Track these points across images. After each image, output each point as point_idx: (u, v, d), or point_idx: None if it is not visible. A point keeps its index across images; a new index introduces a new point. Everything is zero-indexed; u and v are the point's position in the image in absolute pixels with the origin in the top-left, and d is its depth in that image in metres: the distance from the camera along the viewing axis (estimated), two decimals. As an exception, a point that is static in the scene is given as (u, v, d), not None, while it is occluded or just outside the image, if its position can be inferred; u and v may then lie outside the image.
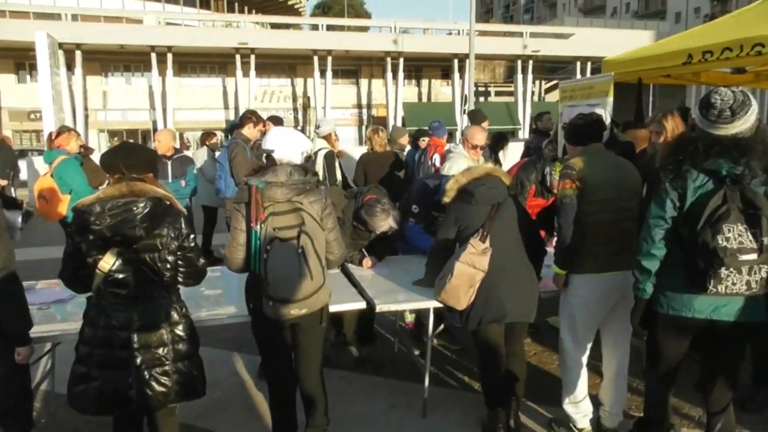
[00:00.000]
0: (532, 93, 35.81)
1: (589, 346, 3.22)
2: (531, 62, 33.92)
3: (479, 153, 4.67)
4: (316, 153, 5.72)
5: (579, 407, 3.21)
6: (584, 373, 3.22)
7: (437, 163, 5.50)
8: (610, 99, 5.63)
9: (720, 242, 2.25)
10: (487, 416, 3.22)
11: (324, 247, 2.79)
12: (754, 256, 2.26)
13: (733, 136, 2.33)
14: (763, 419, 3.40)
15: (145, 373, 2.37)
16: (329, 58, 31.46)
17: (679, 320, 2.51)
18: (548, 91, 38.41)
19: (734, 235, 2.25)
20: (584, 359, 3.22)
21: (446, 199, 3.21)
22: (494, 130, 21.18)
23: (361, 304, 3.34)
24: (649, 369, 2.83)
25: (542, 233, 3.45)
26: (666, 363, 2.71)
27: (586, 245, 3.00)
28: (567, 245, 3.02)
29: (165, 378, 2.41)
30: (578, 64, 34.31)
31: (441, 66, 35.24)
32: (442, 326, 3.79)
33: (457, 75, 33.25)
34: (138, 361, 2.36)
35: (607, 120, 4.30)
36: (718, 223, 2.27)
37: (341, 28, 35.35)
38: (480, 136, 4.67)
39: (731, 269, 2.26)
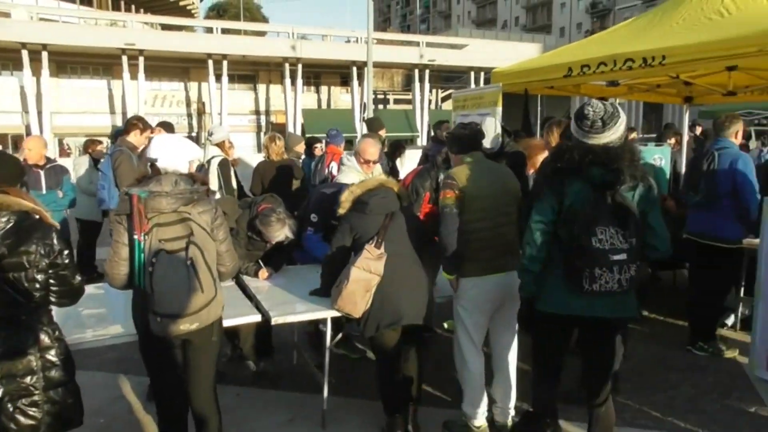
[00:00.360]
0: (430, 101, 36.88)
1: (481, 344, 3.37)
2: (428, 71, 34.93)
3: (372, 167, 4.52)
4: (209, 161, 5.54)
5: (476, 406, 3.34)
6: (480, 372, 3.35)
7: (334, 171, 5.50)
8: (499, 108, 5.93)
9: (594, 243, 2.44)
10: (386, 423, 3.27)
11: (215, 258, 2.70)
12: (624, 256, 2.46)
13: (604, 145, 2.53)
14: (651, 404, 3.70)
15: (9, 405, 2.17)
16: (225, 63, 30.61)
17: (560, 318, 2.67)
18: (444, 99, 39.73)
19: (606, 236, 2.44)
20: (479, 359, 3.35)
21: (341, 211, 3.27)
22: (393, 137, 21.65)
23: (257, 317, 3.26)
24: (534, 365, 3.00)
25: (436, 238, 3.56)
26: (548, 359, 2.90)
27: (470, 250, 3.16)
28: (451, 253, 3.15)
29: (33, 409, 2.22)
30: (472, 73, 35.79)
31: (340, 73, 35.42)
32: (340, 335, 3.79)
33: (356, 82, 33.56)
34: (0, 392, 2.16)
35: (498, 129, 4.51)
36: (592, 225, 2.45)
37: (237, 32, 34.56)
38: (372, 150, 4.47)
39: (604, 269, 2.45)
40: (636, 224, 2.49)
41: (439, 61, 34.72)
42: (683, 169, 6.63)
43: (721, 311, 4.98)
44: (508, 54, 34.14)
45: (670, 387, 4.09)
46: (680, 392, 4.01)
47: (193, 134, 31.87)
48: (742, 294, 5.05)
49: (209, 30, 34.37)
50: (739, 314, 5.12)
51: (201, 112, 32.87)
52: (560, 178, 2.56)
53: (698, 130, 9.25)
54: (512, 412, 3.42)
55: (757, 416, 3.71)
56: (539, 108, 21.65)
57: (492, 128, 4.39)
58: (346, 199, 3.26)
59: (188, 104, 33.36)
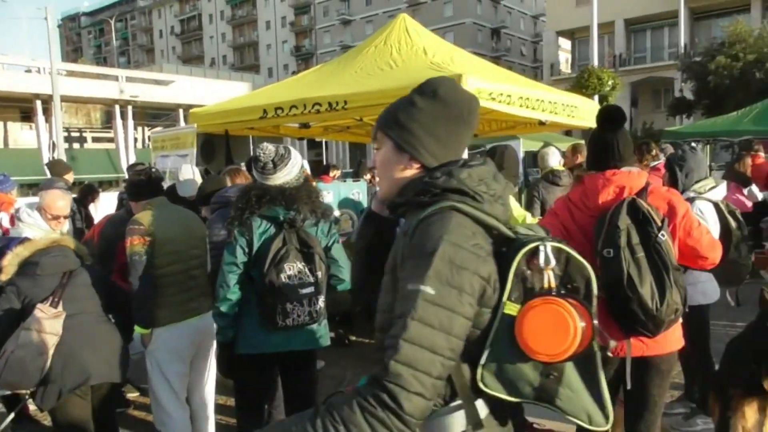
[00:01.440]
0: (135, 139, 34.71)
1: (184, 395, 3.29)
2: (130, 107, 32.89)
3: (62, 223, 3.99)
4: None
5: None
6: (187, 424, 3.25)
7: (5, 223, 4.77)
8: (194, 150, 5.92)
9: (283, 279, 2.58)
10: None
11: None
12: (311, 290, 2.66)
13: (280, 186, 2.71)
14: None
15: None
16: None
17: (260, 357, 2.74)
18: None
19: (294, 272, 2.61)
20: (183, 411, 3.28)
21: (4, 277, 2.86)
22: (93, 179, 19.70)
23: None
24: (239, 412, 3.00)
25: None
26: (253, 402, 2.93)
27: (162, 296, 3.12)
28: (143, 301, 3.06)
29: None
30: (181, 111, 34.81)
31: (20, 107, 31.04)
32: (13, 415, 3.26)
33: (42, 118, 29.76)
34: None
35: (195, 174, 4.50)
36: (280, 263, 2.60)
37: None
38: (62, 204, 3.77)
39: (295, 303, 2.61)
40: (320, 258, 2.72)
41: (143, 97, 33.02)
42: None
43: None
44: (217, 92, 34.11)
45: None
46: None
47: None
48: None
49: None
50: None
51: None
52: (245, 219, 2.66)
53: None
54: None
55: None
56: (251, 148, 22.22)
57: (188, 173, 4.37)
58: (10, 263, 2.87)
59: None
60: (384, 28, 6.02)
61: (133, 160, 31.27)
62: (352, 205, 6.80)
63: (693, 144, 10.51)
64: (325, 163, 11.73)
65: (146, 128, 37.55)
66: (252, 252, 2.67)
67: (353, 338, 5.85)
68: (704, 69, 21.55)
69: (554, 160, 5.42)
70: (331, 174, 9.66)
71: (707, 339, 3.77)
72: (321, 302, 2.72)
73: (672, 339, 2.52)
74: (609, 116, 2.57)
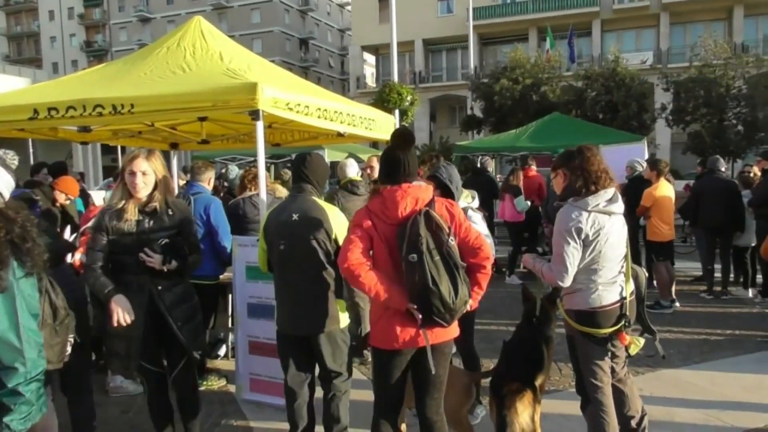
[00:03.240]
0: None
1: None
2: None
3: None
4: None
5: None
6: None
7: None
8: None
9: None
10: None
11: None
12: None
13: None
14: None
15: None
16: None
17: None
18: None
19: None
20: None
21: None
22: None
23: None
24: None
25: None
26: None
27: None
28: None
29: None
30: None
31: None
32: None
33: None
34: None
35: None
36: None
37: None
38: None
39: None
40: None
41: None
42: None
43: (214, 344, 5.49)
44: (-14, 86, 29.63)
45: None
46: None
47: None
48: (230, 324, 5.66)
49: None
50: (229, 344, 5.71)
51: None
52: None
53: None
54: None
55: None
56: (31, 151, 19.66)
57: None
58: None
59: None
60: (177, 30, 5.72)
61: None
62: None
63: (483, 156, 11.71)
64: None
65: None
66: None
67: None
68: (491, 90, 24.11)
69: (352, 170, 5.64)
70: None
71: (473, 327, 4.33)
72: None
73: (453, 327, 2.98)
74: (402, 137, 3.01)
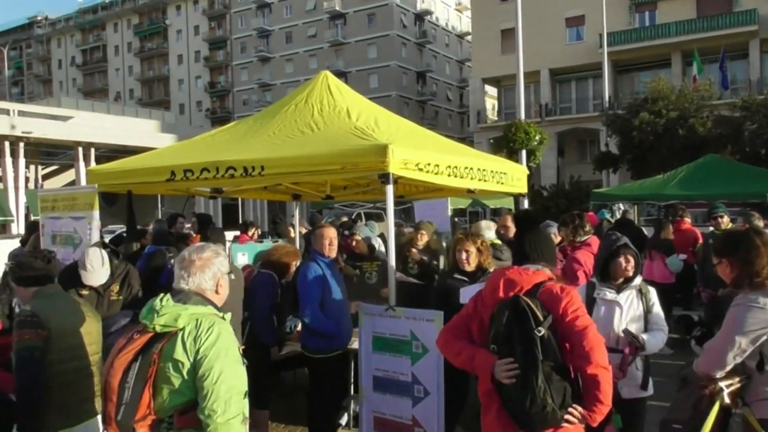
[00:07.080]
0: (27, 179, 32.89)
1: None
2: (22, 144, 31.15)
3: None
4: None
5: None
6: None
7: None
8: (96, 212, 5.58)
9: None
10: None
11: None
12: None
13: None
14: None
15: None
16: None
17: None
18: (47, 177, 36.03)
19: None
20: None
21: None
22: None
23: None
24: None
25: None
26: None
27: (54, 398, 2.91)
28: (33, 405, 2.81)
29: None
30: (80, 149, 33.33)
31: None
32: None
33: None
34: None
35: (104, 258, 4.27)
36: None
37: None
38: None
39: None
40: None
41: (37, 133, 31.32)
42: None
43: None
44: (123, 129, 33.04)
45: None
46: None
47: None
48: (352, 392, 5.67)
49: None
50: (351, 412, 5.71)
51: None
52: None
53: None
54: None
55: None
56: (159, 207, 21.49)
57: (98, 262, 4.19)
58: None
59: None
60: (305, 86, 5.97)
61: (23, 201, 29.43)
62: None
63: (620, 205, 11.07)
64: (241, 220, 11.49)
65: (39, 167, 35.71)
66: None
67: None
68: (628, 124, 22.84)
69: (491, 233, 5.59)
70: (250, 233, 9.44)
71: None
72: None
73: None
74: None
